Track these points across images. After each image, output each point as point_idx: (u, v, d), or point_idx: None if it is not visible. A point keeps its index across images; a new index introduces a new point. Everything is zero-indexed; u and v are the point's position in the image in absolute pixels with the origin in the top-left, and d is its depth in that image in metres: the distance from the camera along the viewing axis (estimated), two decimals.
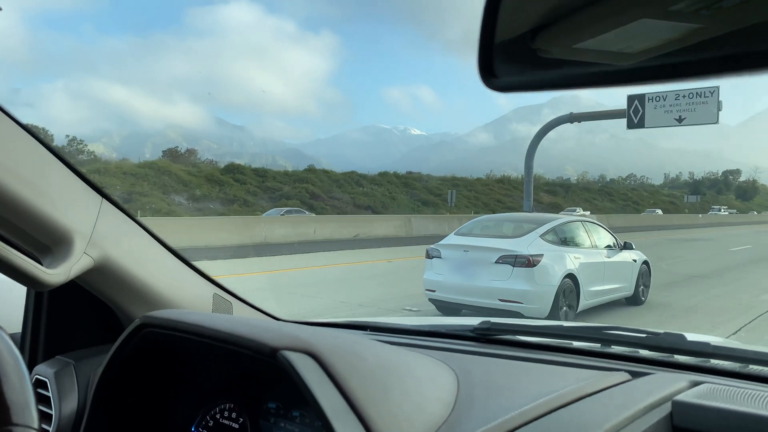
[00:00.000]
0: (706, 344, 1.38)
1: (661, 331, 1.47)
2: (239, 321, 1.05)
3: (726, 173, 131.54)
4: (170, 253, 1.38)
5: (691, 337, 1.43)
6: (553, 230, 7.06)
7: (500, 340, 1.53)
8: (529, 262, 6.43)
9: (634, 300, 8.07)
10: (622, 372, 1.21)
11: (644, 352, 1.39)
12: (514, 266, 6.46)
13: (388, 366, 0.95)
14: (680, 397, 1.06)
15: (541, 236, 6.86)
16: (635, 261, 8.08)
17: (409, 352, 1.15)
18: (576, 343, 1.47)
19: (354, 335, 1.18)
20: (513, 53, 0.57)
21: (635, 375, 1.21)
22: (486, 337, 1.54)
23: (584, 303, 6.98)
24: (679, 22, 0.45)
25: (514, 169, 70.66)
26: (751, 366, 1.30)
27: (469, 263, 6.74)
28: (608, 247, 7.78)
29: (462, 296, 6.80)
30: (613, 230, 8.35)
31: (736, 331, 6.73)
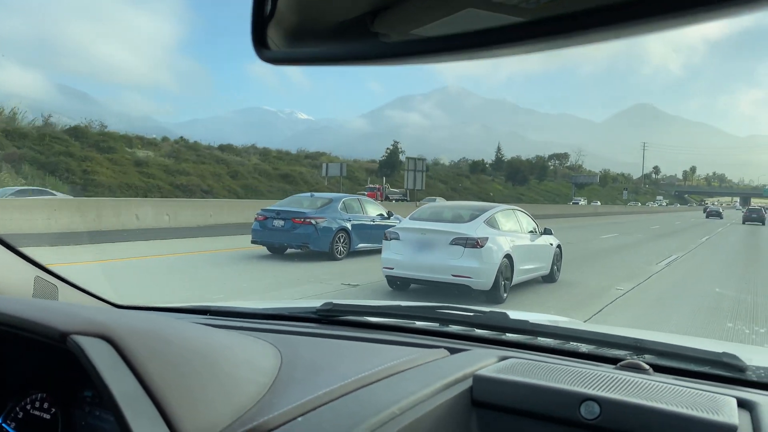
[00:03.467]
0: (525, 321, 1.53)
1: (488, 310, 1.66)
2: (31, 303, 1.04)
3: (552, 156, 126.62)
4: None
5: (513, 315, 1.61)
6: (493, 217, 8.68)
7: (342, 321, 1.64)
8: (477, 243, 7.95)
9: (550, 278, 10.01)
10: (442, 349, 1.32)
11: (459, 329, 1.54)
12: (465, 247, 7.95)
13: (198, 350, 0.96)
14: (482, 372, 1.15)
15: (485, 222, 8.44)
16: (552, 245, 10.02)
17: (231, 335, 1.19)
18: (418, 323, 1.60)
19: (169, 319, 1.18)
20: (287, 24, 0.58)
21: (453, 352, 1.33)
22: (328, 318, 1.64)
23: (516, 279, 8.68)
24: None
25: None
26: (559, 341, 1.46)
27: (427, 244, 8.16)
28: (532, 232, 9.58)
29: (419, 272, 8.20)
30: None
31: (600, 310, 8.77)
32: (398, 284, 8.72)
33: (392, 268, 8.45)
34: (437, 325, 1.59)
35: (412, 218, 8.95)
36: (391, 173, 54.86)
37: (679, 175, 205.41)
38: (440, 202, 17.09)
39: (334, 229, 12.31)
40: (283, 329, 1.48)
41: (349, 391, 1.00)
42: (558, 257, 10.31)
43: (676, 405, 1.00)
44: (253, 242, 12.70)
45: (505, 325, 1.52)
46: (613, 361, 1.32)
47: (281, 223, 12.22)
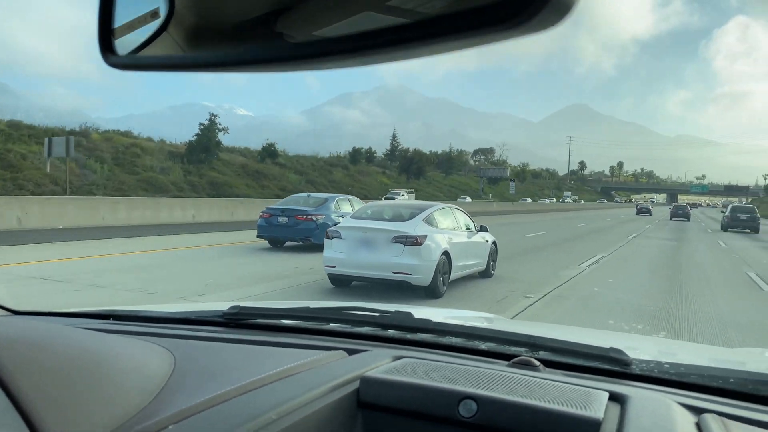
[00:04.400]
0: (428, 321, 1.56)
1: (393, 310, 1.68)
2: None
3: (478, 151, 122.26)
4: None
5: (418, 314, 1.65)
6: (432, 215, 9.07)
7: (251, 324, 1.63)
8: (416, 241, 8.32)
9: (486, 273, 10.51)
10: (341, 351, 1.34)
11: (368, 330, 1.56)
12: (405, 245, 8.31)
13: (80, 357, 0.94)
14: (369, 373, 1.16)
15: (424, 220, 8.82)
16: (487, 241, 10.52)
17: (123, 341, 1.17)
18: (331, 325, 1.61)
19: (55, 325, 1.16)
20: (138, 30, 0.57)
21: (352, 353, 1.34)
22: (235, 321, 1.63)
23: (454, 275, 9.11)
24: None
25: (329, 151, 72.31)
26: (459, 339, 1.49)
27: (368, 242, 8.46)
28: (468, 229, 10.04)
29: (360, 270, 8.50)
30: None
31: (528, 307, 9.35)
32: (341, 281, 9.01)
33: (334, 267, 8.70)
34: (349, 326, 1.60)
35: (354, 217, 9.24)
36: (207, 158, 40.25)
37: (608, 172, 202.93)
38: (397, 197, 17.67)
39: (331, 224, 12.92)
40: (187, 334, 1.48)
41: (230, 397, 1.00)
42: (493, 253, 10.84)
43: (548, 401, 1.05)
44: (258, 236, 14.56)
45: (409, 324, 1.56)
46: (508, 358, 1.36)
47: (285, 219, 13.99)
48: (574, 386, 1.13)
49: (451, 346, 1.47)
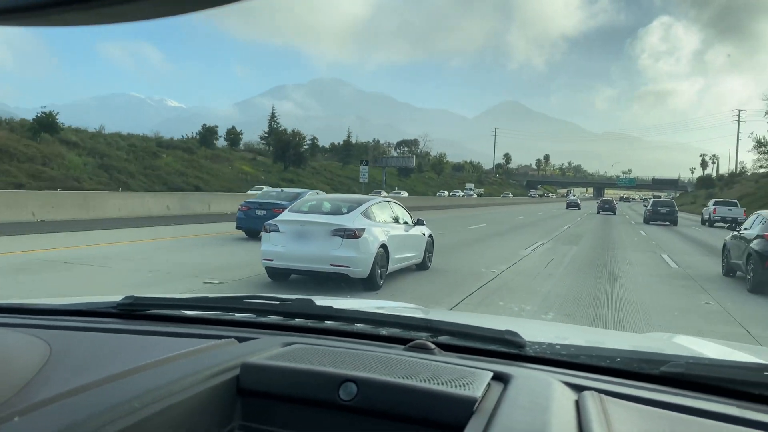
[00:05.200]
0: (329, 308, 1.57)
1: (294, 298, 1.66)
2: None
3: (401, 143, 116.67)
4: None
5: (319, 301, 1.64)
6: (370, 208, 9.24)
7: (148, 315, 1.61)
8: (354, 234, 8.47)
9: (422, 266, 10.79)
10: (231, 339, 1.33)
11: (270, 319, 1.56)
12: (343, 238, 8.44)
13: None
14: (251, 360, 1.17)
15: (362, 213, 8.98)
16: (424, 234, 10.80)
17: None
18: (234, 315, 1.60)
19: None
20: None
21: (243, 340, 1.34)
22: (130, 312, 1.61)
23: (391, 267, 9.33)
24: None
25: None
26: (355, 325, 1.51)
27: (306, 235, 8.55)
28: (406, 223, 10.28)
29: (299, 263, 8.58)
30: None
31: (464, 299, 9.73)
32: (279, 275, 9.06)
33: (272, 260, 8.74)
34: (253, 316, 1.60)
35: (292, 210, 9.29)
36: None
37: (534, 166, 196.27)
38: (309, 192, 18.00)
39: None
40: (73, 325, 1.46)
41: (97, 386, 0.98)
42: (430, 246, 11.13)
43: (428, 381, 1.06)
44: (237, 228, 15.94)
45: (309, 312, 1.57)
46: (405, 342, 1.37)
47: (263, 212, 14.94)
48: (461, 367, 1.16)
49: (348, 332, 1.49)
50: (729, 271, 12.22)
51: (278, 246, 8.68)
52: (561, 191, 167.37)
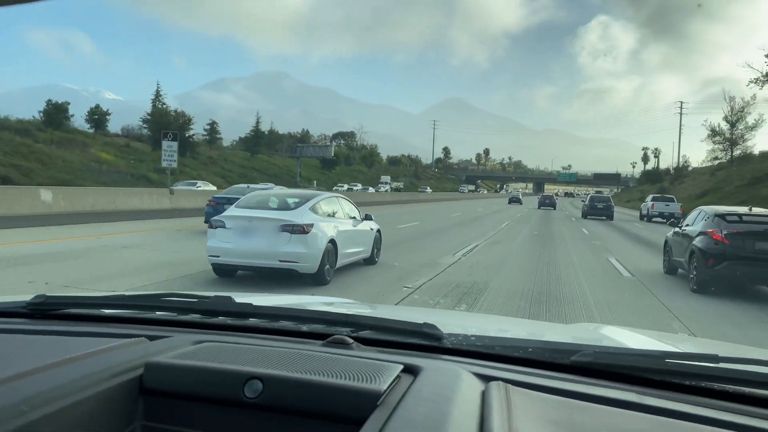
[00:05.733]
0: (249, 305, 1.55)
1: (212, 295, 1.63)
2: None
3: (338, 135, 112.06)
4: None
5: (239, 299, 1.63)
6: (318, 204, 9.25)
7: (60, 315, 1.56)
8: (303, 230, 8.47)
9: (370, 260, 10.88)
10: (142, 337, 1.32)
11: (194, 316, 1.54)
12: (291, 233, 8.43)
13: None
14: (157, 358, 1.15)
15: (310, 209, 8.98)
16: (372, 229, 10.89)
17: None
18: (154, 314, 1.57)
19: None
20: None
21: (154, 339, 1.32)
22: (42, 312, 1.56)
23: (340, 262, 9.37)
24: None
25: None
26: (276, 322, 1.50)
27: (254, 231, 8.48)
28: (354, 218, 10.34)
29: (246, 259, 8.51)
30: None
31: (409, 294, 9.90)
32: (225, 271, 8.97)
33: (218, 256, 8.63)
34: (175, 314, 1.57)
35: (239, 206, 9.20)
36: None
37: (475, 161, 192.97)
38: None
39: None
40: None
41: None
42: (378, 241, 11.23)
43: (336, 376, 1.06)
44: (206, 222, 15.19)
45: (228, 309, 1.55)
46: (324, 337, 1.37)
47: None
48: (374, 361, 1.17)
49: (267, 329, 1.48)
50: (671, 269, 11.86)
51: (225, 242, 8.59)
52: (500, 187, 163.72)
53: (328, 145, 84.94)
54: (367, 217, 10.79)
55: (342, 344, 1.32)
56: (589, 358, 1.24)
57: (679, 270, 11.33)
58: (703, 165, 74.64)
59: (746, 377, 1.18)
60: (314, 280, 8.61)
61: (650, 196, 40.98)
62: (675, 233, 11.70)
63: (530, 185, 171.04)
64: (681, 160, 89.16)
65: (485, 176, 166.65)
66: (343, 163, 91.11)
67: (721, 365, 1.25)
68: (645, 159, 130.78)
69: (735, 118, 64.69)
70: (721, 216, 9.81)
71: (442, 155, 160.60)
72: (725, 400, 1.14)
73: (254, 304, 1.56)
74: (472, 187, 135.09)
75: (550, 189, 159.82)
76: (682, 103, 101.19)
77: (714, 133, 65.92)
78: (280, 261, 8.41)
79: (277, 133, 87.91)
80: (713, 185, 56.82)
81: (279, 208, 9.10)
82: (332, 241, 9.00)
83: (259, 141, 72.66)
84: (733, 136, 64.95)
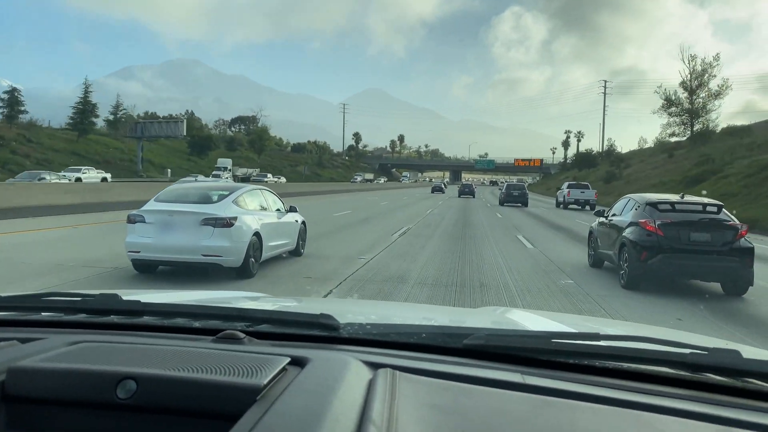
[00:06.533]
0: (137, 302, 1.52)
1: (98, 293, 1.57)
2: None
3: (237, 120, 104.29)
4: None
5: (127, 296, 1.59)
6: (241, 196, 9.16)
7: None
8: (226, 223, 8.37)
9: (296, 252, 10.89)
10: (13, 340, 1.27)
11: (79, 317, 1.48)
12: (215, 227, 8.31)
13: None
14: (22, 363, 1.08)
15: (233, 201, 8.88)
16: (297, 221, 10.90)
17: None
18: (40, 315, 1.51)
19: None
20: None
21: (29, 341, 1.27)
22: None
23: (265, 255, 9.33)
24: None
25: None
26: (180, 319, 1.46)
27: (175, 226, 8.30)
28: (278, 210, 10.31)
29: (168, 254, 8.32)
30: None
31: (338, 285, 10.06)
32: (146, 267, 8.74)
33: (138, 252, 8.39)
34: (62, 314, 1.51)
35: (158, 200, 8.95)
36: None
37: (389, 148, 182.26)
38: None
39: None
40: None
41: None
42: (303, 233, 11.25)
43: (217, 372, 1.04)
44: None
45: (114, 307, 1.50)
46: (214, 333, 1.33)
47: None
48: (261, 355, 1.15)
49: (156, 326, 1.44)
50: (597, 261, 11.12)
51: (145, 237, 8.35)
52: (405, 173, 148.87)
53: (177, 122, 66.03)
54: (292, 209, 10.78)
55: (233, 339, 1.29)
56: (480, 341, 1.26)
57: (606, 263, 10.79)
58: (656, 143, 64.18)
59: (625, 353, 1.23)
60: (239, 274, 8.55)
61: (566, 184, 41.24)
62: (601, 224, 11.04)
63: (447, 173, 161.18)
64: (606, 143, 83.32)
65: (400, 164, 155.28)
66: (223, 147, 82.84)
67: (603, 343, 1.30)
68: (566, 144, 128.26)
69: (695, 83, 53.14)
70: (653, 204, 9.19)
71: (353, 142, 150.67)
72: (606, 376, 1.18)
73: (143, 301, 1.52)
74: (370, 177, 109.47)
75: (468, 177, 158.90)
76: (606, 81, 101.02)
77: (669, 102, 54.27)
78: (204, 255, 8.28)
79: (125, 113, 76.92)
80: (676, 168, 48.14)
81: (201, 202, 8.92)
82: (257, 234, 8.94)
83: (85, 117, 58.78)
84: (693, 106, 53.43)
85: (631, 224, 9.23)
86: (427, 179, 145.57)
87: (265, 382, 1.00)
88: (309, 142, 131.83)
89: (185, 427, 1.02)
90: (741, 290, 8.78)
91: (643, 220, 8.95)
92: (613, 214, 10.50)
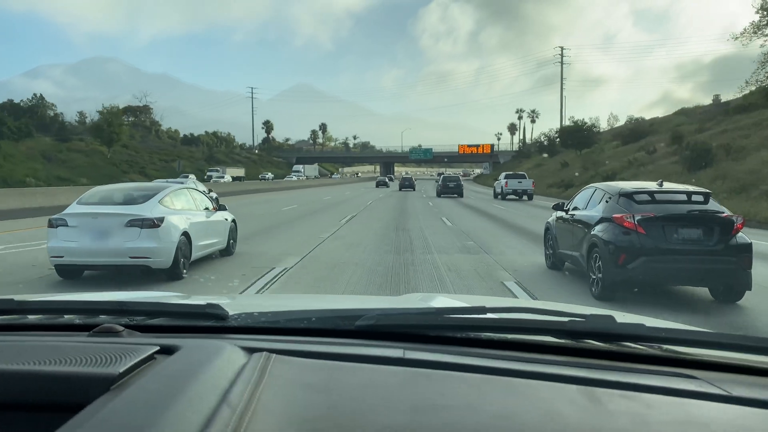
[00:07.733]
0: (11, 300, 1.47)
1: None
2: None
3: (128, 110, 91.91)
4: None
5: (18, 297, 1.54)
6: (168, 196, 9.14)
7: None
8: (153, 223, 8.36)
9: (227, 251, 10.92)
10: None
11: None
12: (141, 228, 8.28)
13: None
14: None
15: (160, 202, 8.85)
16: (227, 220, 10.93)
17: None
18: None
19: None
20: None
21: None
22: None
23: (195, 255, 9.35)
24: None
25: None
26: (47, 316, 1.44)
27: (100, 228, 8.23)
28: (207, 209, 10.32)
29: (94, 258, 8.25)
30: None
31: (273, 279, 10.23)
32: (70, 272, 8.60)
33: (62, 257, 8.27)
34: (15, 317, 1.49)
35: (80, 202, 8.82)
36: None
37: (311, 140, 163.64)
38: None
39: None
40: None
41: None
42: (233, 231, 11.29)
43: (68, 363, 1.02)
44: None
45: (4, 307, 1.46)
46: (91, 328, 1.30)
47: None
48: (130, 345, 1.12)
49: (35, 325, 1.41)
50: (556, 263, 9.68)
51: (68, 241, 8.24)
52: (301, 167, 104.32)
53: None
54: (222, 208, 10.81)
55: (110, 333, 1.26)
56: (371, 321, 1.28)
57: (567, 264, 9.32)
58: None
59: (510, 324, 1.28)
60: (168, 276, 8.55)
61: (503, 174, 41.25)
62: (560, 219, 9.54)
63: (377, 166, 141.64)
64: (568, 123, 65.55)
65: (324, 158, 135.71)
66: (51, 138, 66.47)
67: (489, 315, 1.35)
68: (512, 129, 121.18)
69: None
70: (628, 195, 7.72)
71: (265, 133, 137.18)
72: (492, 348, 1.22)
73: (16, 299, 1.48)
74: (264, 175, 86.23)
75: (404, 171, 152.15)
76: (562, 48, 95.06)
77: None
78: (131, 258, 8.25)
79: None
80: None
81: (125, 203, 8.84)
82: (185, 234, 8.95)
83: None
84: None
85: (602, 220, 7.77)
86: (357, 174, 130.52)
87: (122, 370, 0.97)
88: (206, 133, 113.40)
89: (33, 422, 0.98)
90: (737, 296, 7.37)
91: (618, 215, 7.47)
92: (575, 207, 9.07)
